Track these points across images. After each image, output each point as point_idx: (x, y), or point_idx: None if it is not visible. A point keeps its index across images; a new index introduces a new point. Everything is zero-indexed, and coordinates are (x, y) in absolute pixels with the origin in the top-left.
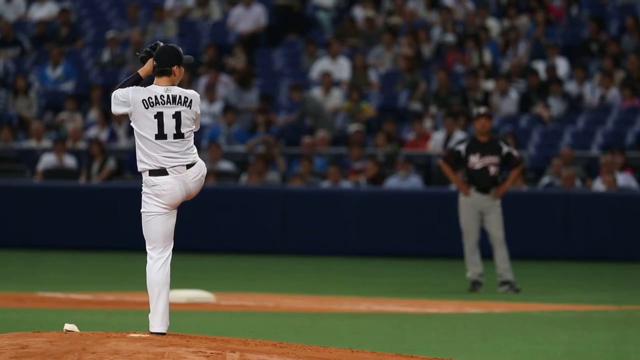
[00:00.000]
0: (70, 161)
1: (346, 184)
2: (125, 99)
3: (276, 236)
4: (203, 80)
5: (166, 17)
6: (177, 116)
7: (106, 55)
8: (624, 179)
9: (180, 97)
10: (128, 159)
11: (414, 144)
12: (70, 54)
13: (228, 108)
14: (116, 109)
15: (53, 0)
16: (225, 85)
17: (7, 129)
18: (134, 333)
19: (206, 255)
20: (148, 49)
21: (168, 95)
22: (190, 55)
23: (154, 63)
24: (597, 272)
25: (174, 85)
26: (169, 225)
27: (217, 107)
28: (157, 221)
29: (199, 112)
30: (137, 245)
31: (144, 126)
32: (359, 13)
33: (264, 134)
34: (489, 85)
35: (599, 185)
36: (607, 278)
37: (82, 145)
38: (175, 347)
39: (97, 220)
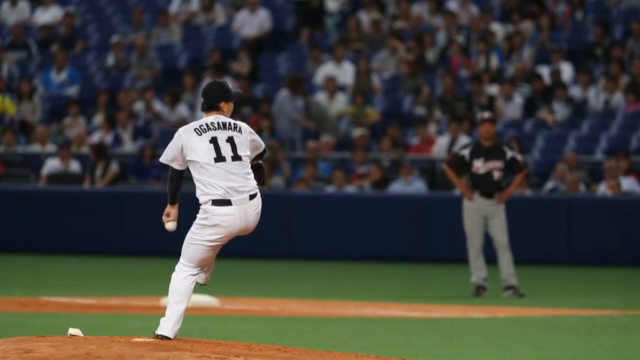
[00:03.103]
0: (74, 166)
1: (350, 189)
2: (176, 138)
3: (280, 241)
4: None
5: (171, 22)
6: (230, 140)
7: (111, 60)
8: (628, 184)
9: (229, 123)
10: (132, 163)
11: (418, 148)
12: (75, 58)
13: (232, 112)
14: (169, 153)
15: (57, 4)
16: None
17: (10, 133)
18: (139, 337)
19: None
20: None
21: (218, 122)
22: (238, 90)
23: (202, 99)
24: (601, 276)
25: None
26: (212, 254)
27: None
28: (203, 249)
29: (253, 137)
30: (141, 250)
31: (201, 153)
32: (364, 17)
33: (268, 138)
34: (494, 89)
35: (603, 190)
36: (611, 283)
37: (86, 149)
38: (179, 351)
39: (101, 224)
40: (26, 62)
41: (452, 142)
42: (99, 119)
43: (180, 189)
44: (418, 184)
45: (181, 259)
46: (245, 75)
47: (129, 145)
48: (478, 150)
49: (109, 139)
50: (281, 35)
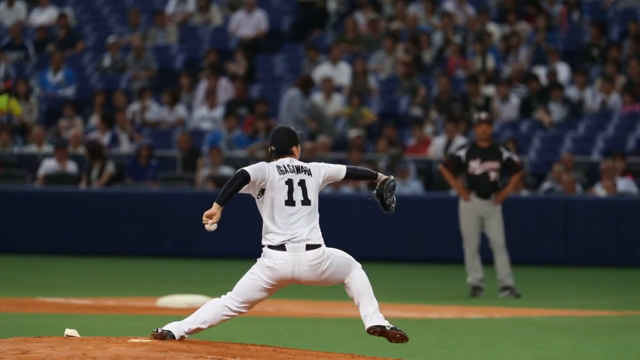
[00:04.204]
0: (71, 166)
1: (346, 189)
2: (262, 165)
3: None
4: (203, 86)
5: (167, 22)
6: (302, 184)
7: (107, 61)
8: (624, 185)
9: (302, 166)
10: (128, 164)
11: (414, 149)
12: (71, 59)
13: (229, 113)
14: (254, 167)
15: (54, 5)
16: (226, 90)
17: (6, 133)
18: (135, 338)
19: (207, 260)
20: None
21: (293, 165)
22: (301, 132)
23: (271, 147)
24: (597, 277)
25: None
26: (261, 296)
27: (218, 112)
28: (254, 287)
29: (324, 172)
30: (138, 250)
31: (276, 192)
32: (361, 18)
33: (264, 139)
34: (490, 90)
35: (599, 191)
36: (608, 283)
37: (82, 150)
38: (175, 352)
39: (98, 225)
40: (23, 62)
41: (449, 143)
42: (95, 119)
43: (234, 197)
44: (414, 184)
45: (233, 291)
46: (241, 76)
47: (125, 146)
48: (474, 151)
49: (105, 139)
50: (277, 36)
